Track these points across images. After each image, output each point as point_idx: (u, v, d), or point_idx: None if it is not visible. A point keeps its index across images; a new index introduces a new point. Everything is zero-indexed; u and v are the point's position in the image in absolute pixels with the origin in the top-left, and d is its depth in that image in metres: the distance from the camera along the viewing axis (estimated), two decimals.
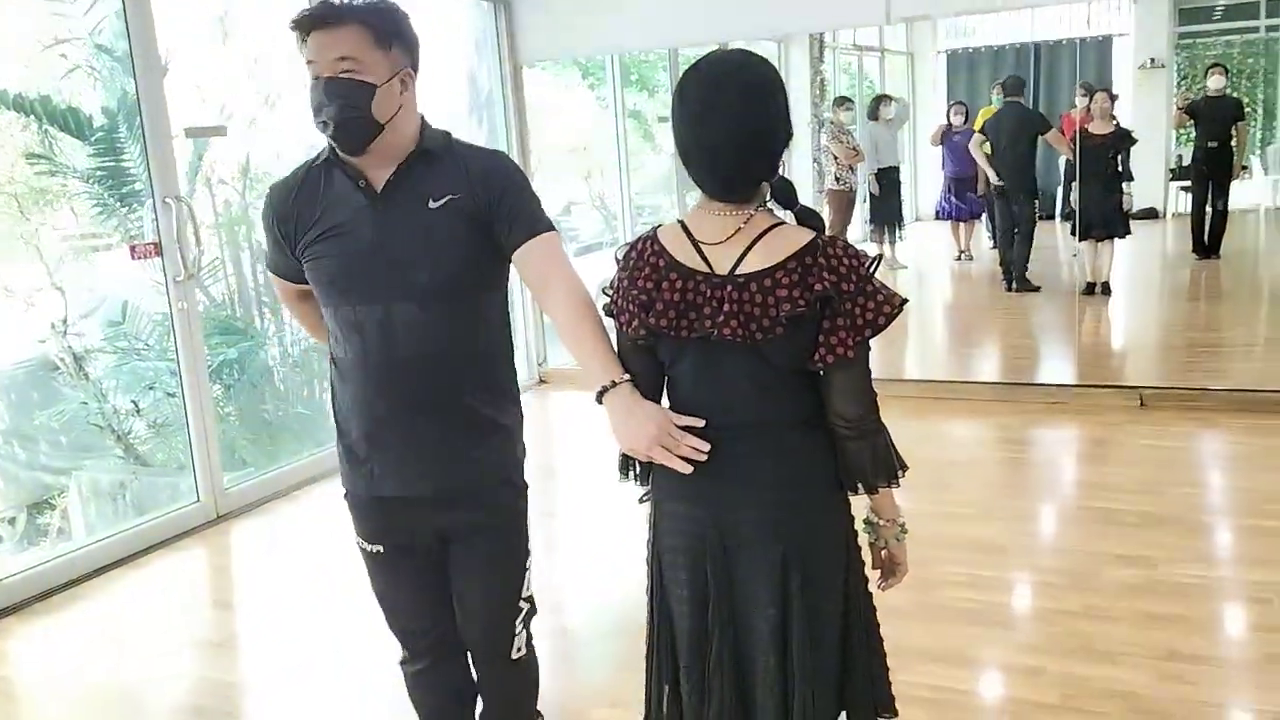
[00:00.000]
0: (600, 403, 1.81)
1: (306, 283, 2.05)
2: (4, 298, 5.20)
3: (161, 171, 4.32)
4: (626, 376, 1.80)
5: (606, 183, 8.65)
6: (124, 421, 5.56)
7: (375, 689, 3.07)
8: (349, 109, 1.87)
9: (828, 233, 1.73)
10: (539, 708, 2.39)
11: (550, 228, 2.02)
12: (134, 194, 5.04)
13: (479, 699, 2.33)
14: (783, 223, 1.75)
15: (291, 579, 4.08)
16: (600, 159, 8.71)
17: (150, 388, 5.47)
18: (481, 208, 1.96)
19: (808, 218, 1.75)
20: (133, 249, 4.44)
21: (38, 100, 5.06)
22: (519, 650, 2.21)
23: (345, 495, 2.15)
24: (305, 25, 1.87)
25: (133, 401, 5.55)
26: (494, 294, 2.07)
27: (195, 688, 3.23)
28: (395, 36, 1.90)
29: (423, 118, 2.01)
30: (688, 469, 1.74)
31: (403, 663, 2.28)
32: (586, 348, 1.87)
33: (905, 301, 1.70)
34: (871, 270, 1.69)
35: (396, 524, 2.10)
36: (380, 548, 2.13)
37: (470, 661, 2.27)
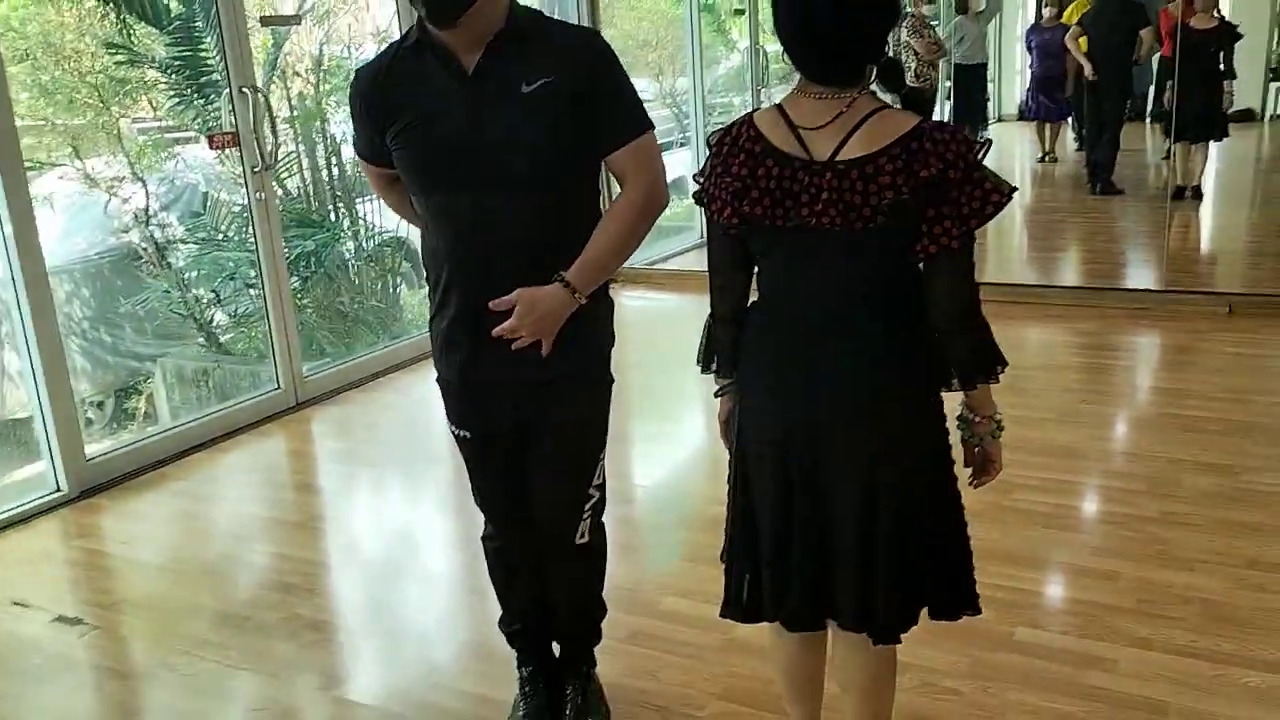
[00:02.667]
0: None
1: (395, 168, 2.03)
2: (88, 188, 5.30)
3: (238, 61, 4.32)
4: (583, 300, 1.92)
5: (679, 79, 8.48)
6: (205, 311, 5.69)
7: (451, 566, 3.16)
8: None
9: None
10: (604, 598, 2.43)
11: (647, 125, 1.98)
12: (211, 84, 5.06)
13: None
14: (887, 106, 1.67)
15: (369, 464, 4.18)
16: (672, 54, 8.53)
17: (231, 278, 5.57)
18: (577, 93, 1.89)
19: (913, 102, 1.68)
20: (211, 139, 4.47)
21: None
22: (583, 536, 2.23)
23: (438, 379, 2.17)
24: None
25: (214, 291, 5.66)
26: (587, 181, 2.05)
27: (279, 565, 3.35)
28: None
29: None
30: None
31: (486, 538, 2.36)
32: (599, 250, 1.95)
33: (1014, 190, 1.63)
34: (981, 156, 1.62)
35: (483, 411, 2.12)
36: (467, 433, 2.16)
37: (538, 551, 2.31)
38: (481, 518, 2.35)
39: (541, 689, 2.36)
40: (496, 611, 2.44)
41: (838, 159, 1.63)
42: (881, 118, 1.64)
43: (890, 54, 1.69)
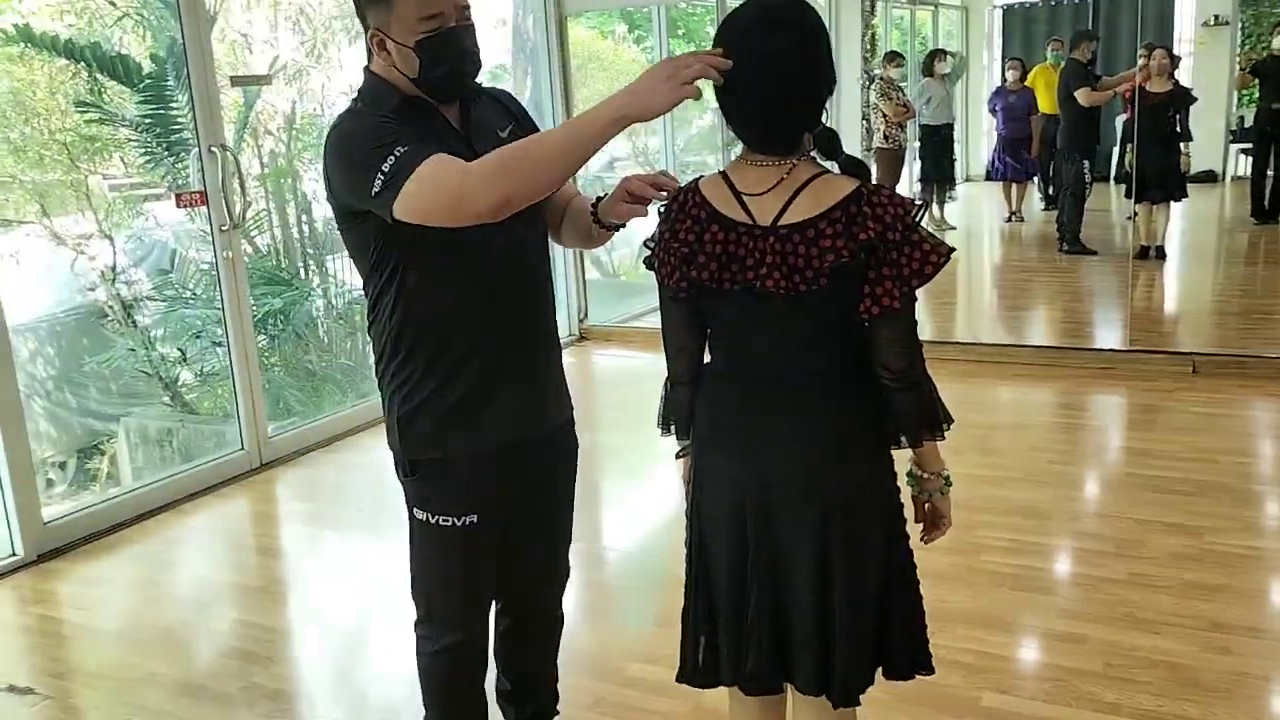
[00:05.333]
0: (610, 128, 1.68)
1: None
2: (55, 246, 5.27)
3: (207, 120, 4.33)
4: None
5: (650, 139, 8.58)
6: (171, 369, 5.64)
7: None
8: (478, 56, 1.92)
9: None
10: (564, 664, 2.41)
11: None
12: (181, 143, 5.07)
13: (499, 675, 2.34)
14: (827, 172, 1.71)
15: (334, 526, 4.13)
16: None
17: (197, 336, 5.54)
18: (525, 133, 1.97)
19: (852, 167, 1.71)
20: (178, 197, 4.46)
21: (88, 47, 5.09)
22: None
23: (435, 462, 1.99)
24: None
25: (179, 350, 5.63)
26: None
27: (239, 631, 3.28)
28: None
29: None
30: (716, 76, 1.63)
31: (448, 649, 2.13)
32: (561, 129, 1.82)
33: (952, 250, 1.66)
34: (917, 219, 1.65)
35: (500, 477, 2.02)
36: (474, 517, 2.00)
37: (509, 631, 2.27)
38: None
39: None
40: None
41: (780, 223, 1.67)
42: (822, 183, 1.68)
43: (826, 124, 1.72)
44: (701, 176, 1.78)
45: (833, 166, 1.73)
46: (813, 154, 1.73)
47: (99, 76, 5.16)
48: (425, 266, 1.89)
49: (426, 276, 1.91)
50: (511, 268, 1.95)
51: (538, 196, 1.78)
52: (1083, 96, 7.45)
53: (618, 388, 5.58)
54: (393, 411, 2.01)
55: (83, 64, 5.11)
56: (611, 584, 3.47)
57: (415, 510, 2.04)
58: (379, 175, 1.74)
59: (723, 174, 1.75)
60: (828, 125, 1.74)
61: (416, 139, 1.78)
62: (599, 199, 1.97)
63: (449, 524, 2.00)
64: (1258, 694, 2.65)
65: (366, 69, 1.94)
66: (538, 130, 1.99)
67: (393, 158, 1.74)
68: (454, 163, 1.75)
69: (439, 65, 1.86)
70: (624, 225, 1.99)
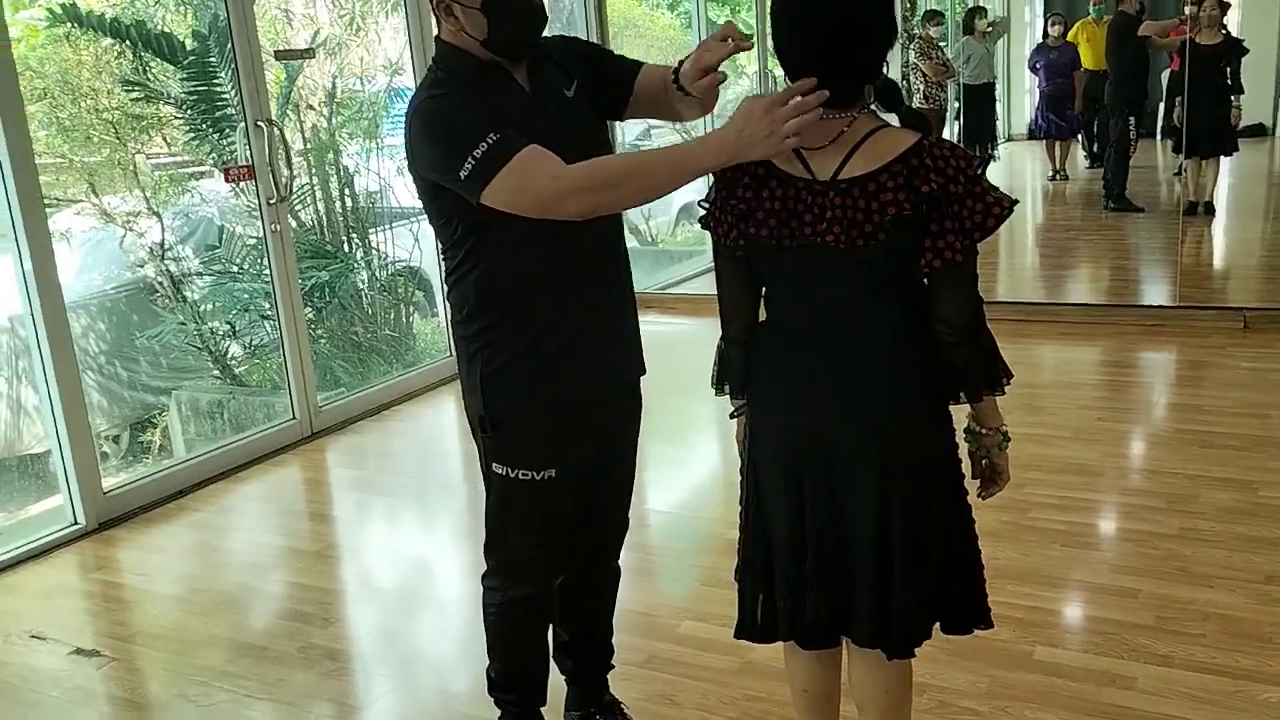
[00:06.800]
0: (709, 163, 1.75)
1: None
2: (104, 223, 5.35)
3: (253, 95, 4.38)
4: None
5: None
6: (220, 343, 5.73)
7: (466, 594, 3.15)
8: (543, 9, 1.98)
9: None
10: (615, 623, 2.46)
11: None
12: (226, 119, 5.12)
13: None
14: (887, 125, 1.69)
15: (384, 492, 4.19)
16: None
17: (245, 310, 5.61)
18: (592, 83, 2.03)
19: (913, 120, 1.70)
20: (227, 172, 4.52)
21: (132, 25, 5.14)
22: None
23: (516, 418, 2.03)
24: None
25: (228, 323, 5.70)
26: None
27: (295, 594, 3.35)
28: None
29: None
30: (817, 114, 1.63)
31: (518, 600, 2.18)
32: (666, 159, 1.88)
33: (1016, 202, 1.65)
34: (980, 171, 1.64)
35: (578, 432, 2.06)
36: (552, 471, 2.04)
37: (569, 583, 2.30)
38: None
39: None
40: None
41: (840, 178, 1.65)
42: (882, 136, 1.66)
43: (888, 75, 1.71)
44: None
45: (893, 120, 1.72)
46: (873, 107, 1.72)
47: (143, 55, 5.22)
48: (512, 230, 1.91)
49: (512, 238, 1.92)
50: (596, 227, 1.94)
51: (625, 210, 1.90)
52: (1151, 28, 7.28)
53: (658, 354, 5.61)
54: (475, 370, 2.03)
55: (127, 42, 5.16)
56: (657, 545, 3.50)
57: (495, 465, 2.08)
58: (469, 160, 1.79)
59: None
60: (888, 76, 1.72)
61: (501, 120, 1.83)
62: (679, 65, 1.98)
63: (528, 478, 2.04)
64: None
65: (438, 38, 1.98)
66: (612, 62, 2.11)
67: (485, 145, 1.79)
68: (547, 163, 1.80)
69: (506, 24, 1.88)
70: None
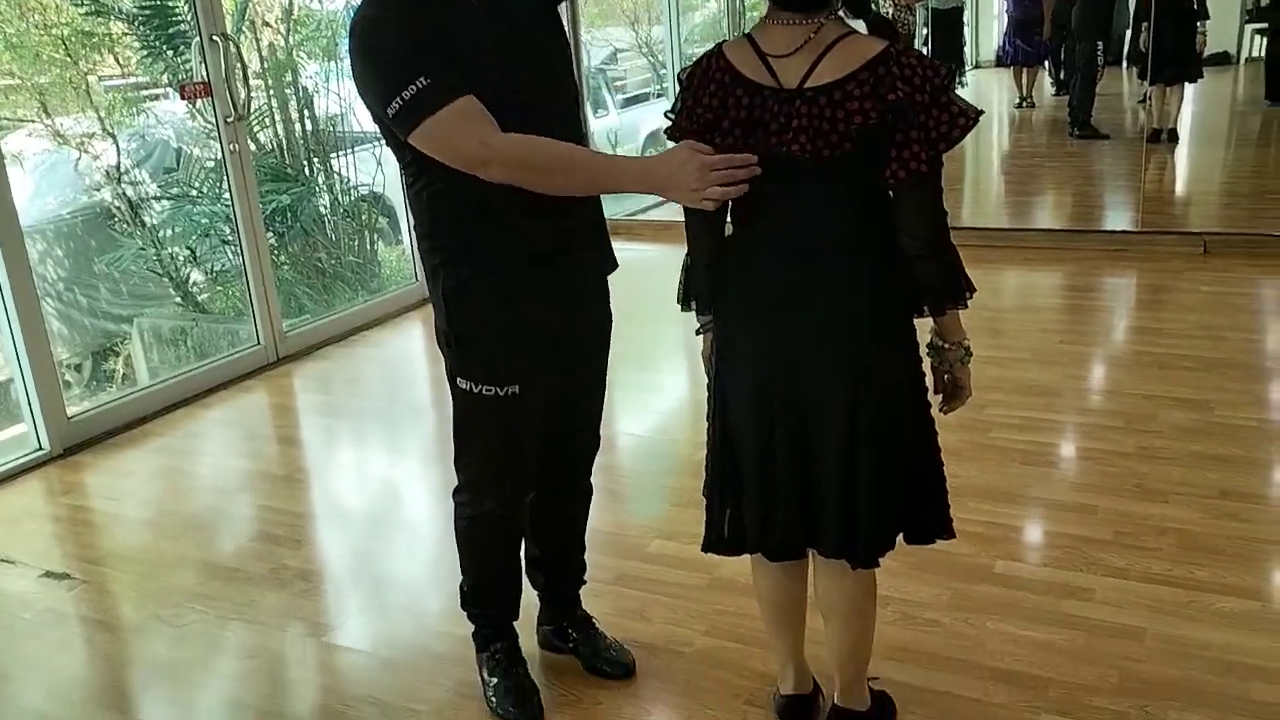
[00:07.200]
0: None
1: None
2: (58, 146, 5.22)
3: (207, 9, 4.26)
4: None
5: (654, 28, 8.40)
6: (181, 269, 5.64)
7: (435, 515, 3.17)
8: None
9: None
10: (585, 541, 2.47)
11: None
12: (180, 35, 4.98)
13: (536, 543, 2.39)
14: (854, 32, 1.68)
15: (351, 417, 4.19)
16: (648, 2, 8.44)
17: (206, 235, 5.52)
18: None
19: (881, 27, 1.69)
20: (183, 89, 4.41)
21: None
22: None
23: (478, 333, 2.02)
24: None
25: (189, 249, 5.61)
26: None
27: (265, 517, 3.36)
28: None
29: None
30: (742, 189, 1.67)
31: (489, 514, 2.19)
32: (593, 165, 1.91)
33: (981, 113, 1.65)
34: (946, 81, 1.63)
35: (542, 347, 2.04)
36: (515, 388, 2.03)
37: (542, 500, 2.30)
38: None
39: (520, 658, 2.35)
40: None
41: (806, 86, 1.65)
42: (849, 43, 1.65)
43: None
44: (725, 41, 1.76)
45: (860, 27, 1.71)
46: (840, 14, 1.70)
47: None
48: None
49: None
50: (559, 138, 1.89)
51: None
52: None
53: (627, 281, 5.61)
54: (437, 285, 2.02)
55: None
56: (626, 467, 3.53)
57: (459, 380, 2.07)
58: (397, 100, 1.77)
59: (748, 36, 1.72)
60: None
61: (443, 46, 1.78)
62: None
63: (490, 393, 2.03)
64: (1266, 558, 2.71)
65: None
66: None
67: (415, 88, 1.75)
68: (476, 125, 1.77)
69: None
70: None
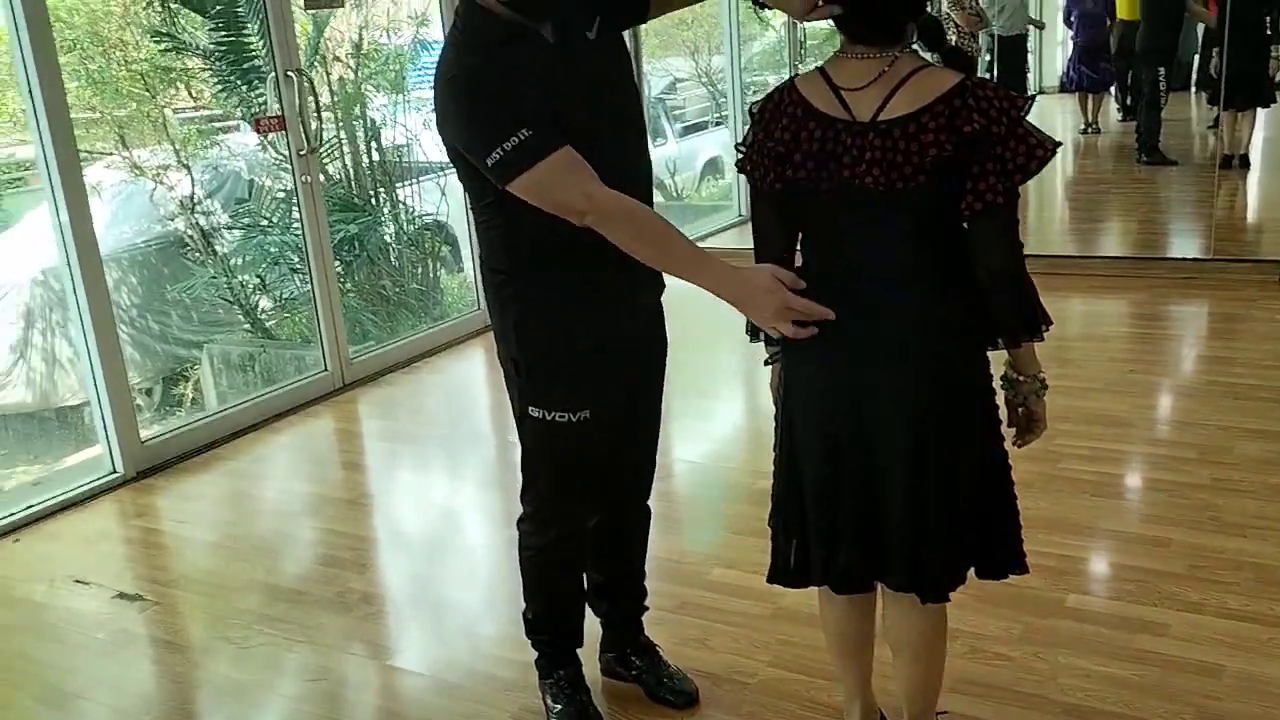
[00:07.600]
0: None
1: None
2: (134, 176, 5.38)
3: (283, 44, 4.37)
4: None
5: (714, 58, 8.44)
6: (250, 296, 5.77)
7: (496, 540, 3.19)
8: None
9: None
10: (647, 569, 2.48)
11: None
12: (255, 70, 5.12)
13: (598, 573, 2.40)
14: (929, 65, 1.67)
15: (415, 442, 4.23)
16: (708, 32, 8.50)
17: (275, 263, 5.64)
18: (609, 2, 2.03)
19: (955, 59, 1.67)
20: (258, 122, 4.52)
21: None
22: None
23: (549, 361, 2.05)
24: None
25: (258, 277, 5.73)
26: None
27: (330, 541, 3.40)
28: None
29: None
30: (811, 332, 1.70)
31: (555, 542, 2.20)
32: (688, 256, 1.89)
33: (1059, 144, 1.62)
34: (1024, 112, 1.61)
35: (610, 373, 2.07)
36: (587, 413, 2.05)
37: (603, 525, 2.30)
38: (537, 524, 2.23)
39: (584, 686, 2.35)
40: None
41: (880, 119, 1.64)
42: (924, 75, 1.64)
43: (931, 13, 1.69)
44: (798, 74, 1.76)
45: (935, 61, 1.70)
46: (915, 46, 1.70)
47: (171, 5, 5.22)
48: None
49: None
50: (623, 173, 1.91)
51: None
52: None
53: (685, 306, 5.63)
54: (507, 316, 2.05)
55: None
56: (684, 494, 3.52)
57: (530, 409, 2.08)
58: (498, 151, 1.78)
59: (820, 70, 1.72)
60: (932, 13, 1.70)
61: (536, 95, 1.80)
62: None
63: (564, 420, 2.05)
64: None
65: None
66: None
67: (517, 139, 1.77)
68: (579, 176, 1.80)
69: None
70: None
